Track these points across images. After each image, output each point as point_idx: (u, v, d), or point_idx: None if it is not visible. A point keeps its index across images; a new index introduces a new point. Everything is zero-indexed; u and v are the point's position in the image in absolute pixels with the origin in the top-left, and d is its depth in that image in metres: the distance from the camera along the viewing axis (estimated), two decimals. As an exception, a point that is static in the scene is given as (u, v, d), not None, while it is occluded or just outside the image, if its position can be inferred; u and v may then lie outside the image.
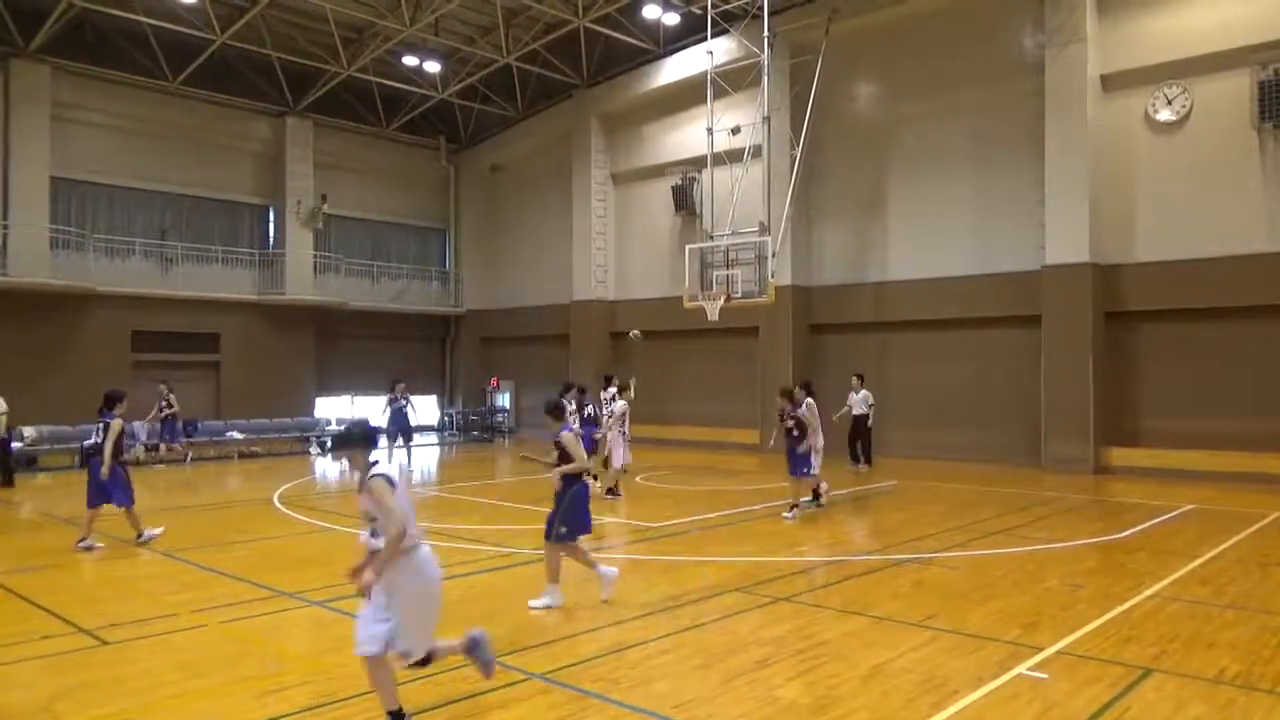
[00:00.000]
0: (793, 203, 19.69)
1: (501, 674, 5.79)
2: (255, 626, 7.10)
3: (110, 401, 10.37)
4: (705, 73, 20.19)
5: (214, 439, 21.82)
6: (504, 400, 29.23)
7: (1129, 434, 17.69)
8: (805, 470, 12.34)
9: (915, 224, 20.48)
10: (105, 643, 6.61)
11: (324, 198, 26.90)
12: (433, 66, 25.74)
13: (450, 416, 30.30)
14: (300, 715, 5.16)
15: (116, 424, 10.23)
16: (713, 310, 18.87)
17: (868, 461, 18.07)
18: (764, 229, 18.66)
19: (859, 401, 18.04)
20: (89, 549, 10.04)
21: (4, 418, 16.61)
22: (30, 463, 18.80)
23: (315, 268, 27.27)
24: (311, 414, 26.08)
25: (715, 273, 19.21)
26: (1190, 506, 13.05)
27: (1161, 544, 10.34)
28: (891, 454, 20.05)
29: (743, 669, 5.93)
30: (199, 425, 21.80)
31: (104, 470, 10.10)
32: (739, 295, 18.71)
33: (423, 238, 31.36)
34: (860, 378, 18.33)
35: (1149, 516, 12.17)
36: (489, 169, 30.58)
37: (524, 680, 5.70)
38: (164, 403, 20.17)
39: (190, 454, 20.53)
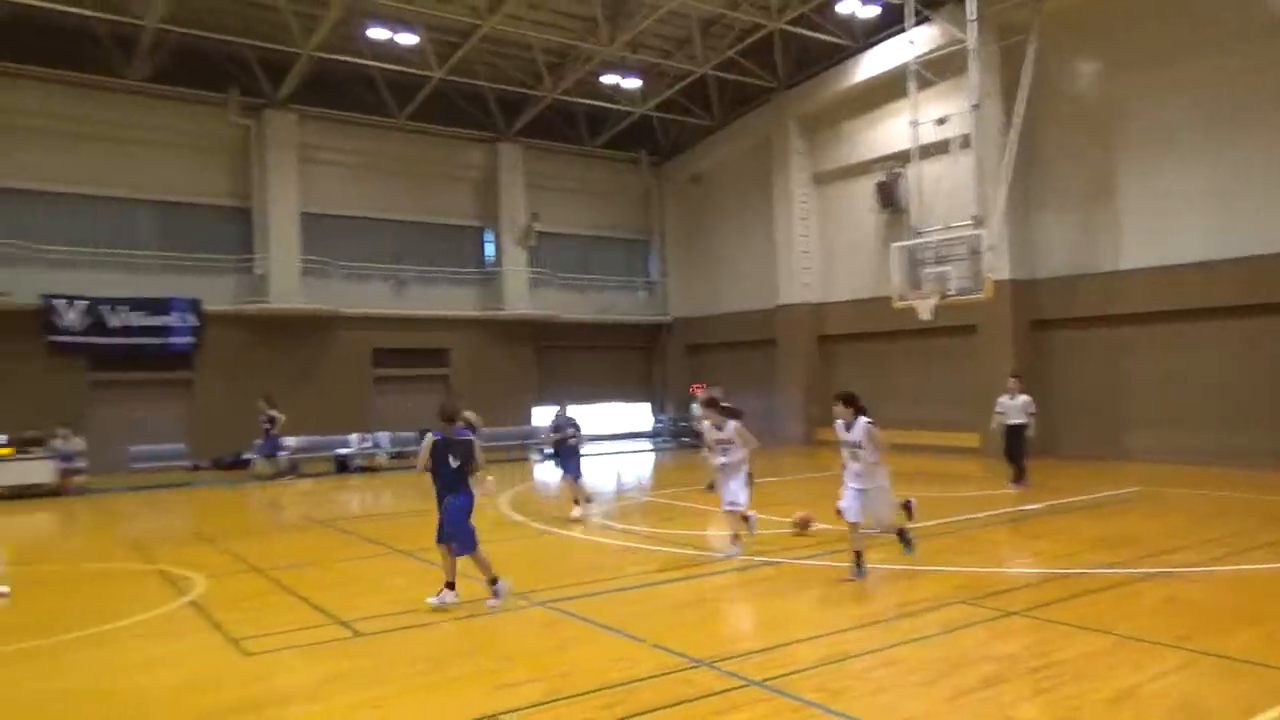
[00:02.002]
0: (1009, 193, 18.56)
1: (718, 679, 5.85)
2: (487, 624, 7.56)
3: None
4: (906, 64, 19.40)
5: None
6: (711, 407, 29.39)
7: None
8: (466, 546, 8.05)
9: (1149, 207, 18.70)
10: (359, 634, 7.27)
11: (535, 216, 28.35)
12: (631, 83, 26.41)
13: (662, 424, 31.01)
14: (531, 710, 5.43)
15: None
16: (925, 309, 18.07)
17: (1021, 477, 15.08)
18: (978, 222, 17.71)
19: (1015, 409, 15.14)
20: None
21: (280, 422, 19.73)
22: (292, 469, 20.94)
23: (530, 283, 28.73)
24: (529, 422, 27.41)
25: (925, 270, 18.38)
26: None
27: None
28: (1131, 459, 18.40)
29: (971, 686, 5.65)
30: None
31: None
32: (953, 292, 17.81)
33: (629, 249, 32.28)
34: (1018, 378, 15.70)
35: None
36: (690, 179, 30.98)
37: (742, 686, 5.71)
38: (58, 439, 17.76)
39: (72, 486, 17.88)
